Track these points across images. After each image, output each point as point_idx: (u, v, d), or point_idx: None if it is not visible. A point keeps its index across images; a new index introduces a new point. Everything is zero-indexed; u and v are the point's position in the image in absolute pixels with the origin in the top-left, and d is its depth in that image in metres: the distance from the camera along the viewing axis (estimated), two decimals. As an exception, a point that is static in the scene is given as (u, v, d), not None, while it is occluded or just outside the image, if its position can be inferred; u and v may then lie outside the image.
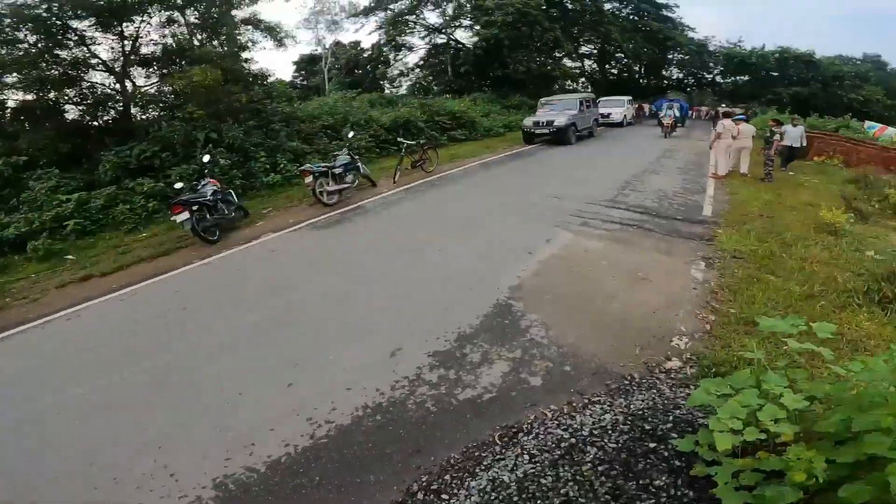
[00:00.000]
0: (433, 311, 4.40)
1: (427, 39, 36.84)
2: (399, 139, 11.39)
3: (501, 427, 2.88)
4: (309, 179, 8.10)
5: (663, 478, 2.40)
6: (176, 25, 11.70)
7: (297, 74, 45.93)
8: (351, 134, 10.26)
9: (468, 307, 4.39)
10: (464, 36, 35.96)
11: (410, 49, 37.78)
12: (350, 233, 7.02)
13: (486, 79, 35.00)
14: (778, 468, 1.90)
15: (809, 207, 7.36)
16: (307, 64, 44.39)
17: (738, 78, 40.73)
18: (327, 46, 41.02)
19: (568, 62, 38.28)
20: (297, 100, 17.89)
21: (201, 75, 9.70)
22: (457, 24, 34.90)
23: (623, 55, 38.72)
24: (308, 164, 8.88)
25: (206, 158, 8.09)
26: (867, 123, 19.96)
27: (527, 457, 2.65)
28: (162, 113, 11.52)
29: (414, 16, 34.33)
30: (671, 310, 4.23)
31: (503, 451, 2.71)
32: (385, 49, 36.48)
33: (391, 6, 34.41)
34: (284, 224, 7.63)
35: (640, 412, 2.99)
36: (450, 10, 34.29)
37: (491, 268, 5.27)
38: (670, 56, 41.20)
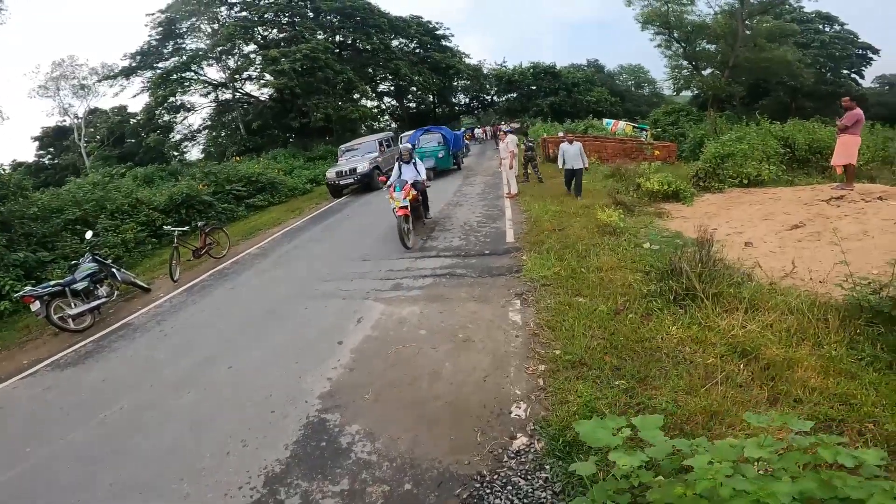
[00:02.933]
0: (228, 451, 3.33)
1: (211, 97, 33.60)
2: (166, 227, 9.31)
3: None
4: (36, 306, 5.92)
5: None
6: None
7: (42, 153, 37.12)
8: (89, 234, 7.91)
9: (272, 437, 3.40)
10: (253, 89, 33.83)
11: (190, 109, 33.84)
12: (108, 366, 5.16)
13: (286, 131, 33.41)
14: None
15: (587, 210, 8.17)
16: (54, 139, 36.06)
17: (509, 95, 47.75)
18: (79, 115, 33.98)
19: (368, 102, 39.51)
20: (37, 187, 13.75)
21: None
22: (243, 76, 32.68)
23: (416, 88, 41.81)
24: (28, 288, 6.45)
25: None
26: (605, 121, 24.97)
27: None
28: None
29: (191, 72, 30.91)
30: (501, 371, 3.80)
31: None
32: (157, 112, 31.73)
33: (159, 64, 30.40)
34: (14, 368, 5.56)
35: (504, 525, 2.44)
36: (232, 64, 31.89)
37: (295, 375, 4.20)
38: (455, 83, 46.03)
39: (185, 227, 9.20)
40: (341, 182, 14.20)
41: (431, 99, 45.97)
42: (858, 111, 7.28)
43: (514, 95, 46.98)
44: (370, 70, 37.27)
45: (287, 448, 3.25)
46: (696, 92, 39.94)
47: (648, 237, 6.37)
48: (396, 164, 8.28)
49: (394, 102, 45.33)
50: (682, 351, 3.67)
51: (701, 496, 1.62)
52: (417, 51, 41.03)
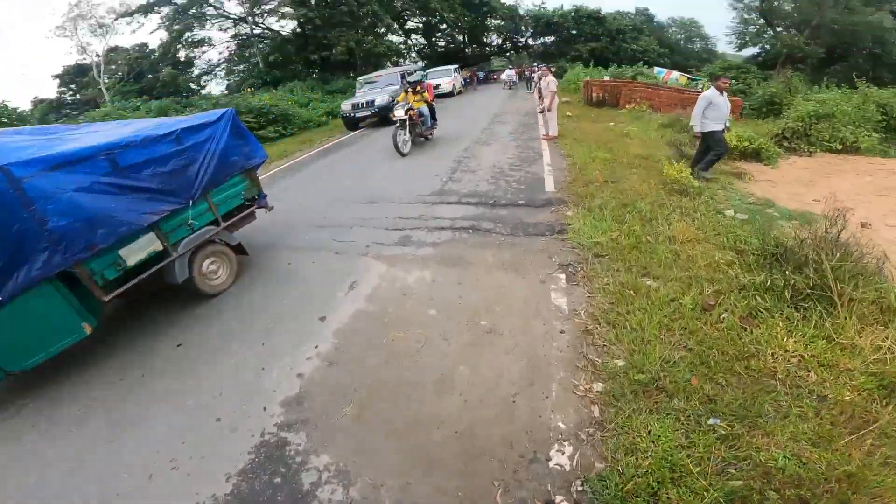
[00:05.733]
0: None
1: (232, 32, 32.15)
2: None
3: None
4: None
5: None
6: None
7: (63, 90, 37.70)
8: None
9: (212, 460, 2.43)
10: (273, 22, 32.21)
11: (208, 44, 32.49)
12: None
13: (307, 65, 31.63)
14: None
15: (645, 161, 6.68)
16: (74, 76, 36.13)
17: (545, 39, 44.05)
18: (99, 53, 33.46)
19: (394, 38, 36.99)
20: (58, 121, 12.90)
21: None
22: (262, 9, 30.87)
23: (446, 25, 38.69)
24: None
25: None
26: (656, 69, 22.31)
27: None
28: None
29: (211, 8, 29.63)
30: (538, 388, 2.66)
31: None
32: (174, 47, 30.79)
33: (175, 0, 28.92)
34: None
35: None
36: (251, -3, 30.08)
37: (257, 365, 3.13)
38: (488, 22, 42.47)
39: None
40: (357, 115, 12.77)
41: (462, 38, 42.69)
42: None
43: (552, 39, 43.26)
44: (398, 4, 34.48)
45: (228, 480, 2.29)
46: (759, 50, 36.03)
47: (730, 202, 4.96)
48: None
49: (422, 40, 42.41)
50: (804, 378, 2.50)
51: None
52: (450, -16, 37.62)
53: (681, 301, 3.13)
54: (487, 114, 13.85)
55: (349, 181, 7.26)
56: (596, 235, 4.09)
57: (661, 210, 4.59)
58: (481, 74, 34.76)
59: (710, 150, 5.72)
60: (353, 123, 13.10)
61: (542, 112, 8.84)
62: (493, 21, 42.63)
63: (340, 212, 5.83)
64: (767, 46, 34.77)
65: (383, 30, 33.46)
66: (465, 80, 27.33)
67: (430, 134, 9.51)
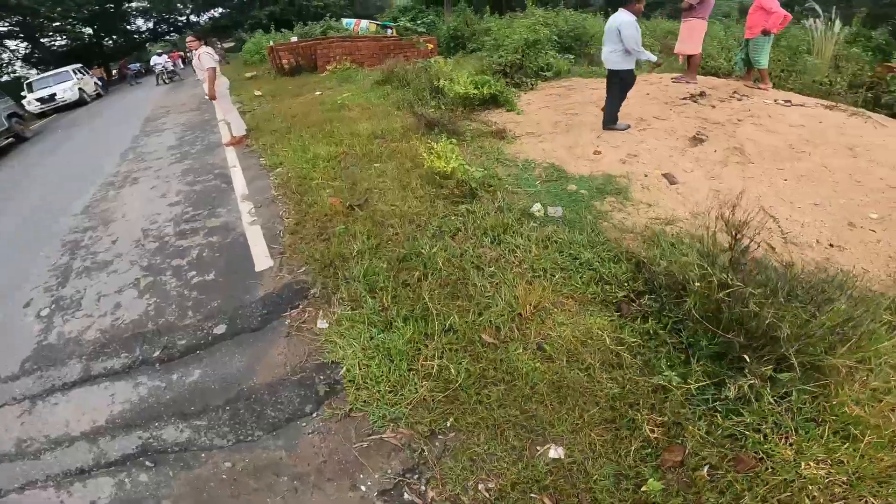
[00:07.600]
0: None
1: None
2: None
3: None
4: None
5: None
6: None
7: None
8: None
9: None
10: None
11: None
12: None
13: None
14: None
15: (385, 143, 4.67)
16: None
17: (213, 12, 37.17)
18: None
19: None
20: None
21: None
22: None
23: (56, 20, 27.83)
24: None
25: None
26: (344, 21, 20.59)
27: None
28: None
29: None
30: None
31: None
32: None
33: None
34: None
35: None
36: None
37: None
38: (128, 6, 32.71)
39: None
40: None
41: (91, 30, 31.71)
42: None
43: (222, 11, 36.69)
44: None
45: None
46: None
47: (525, 187, 3.44)
48: None
49: (26, 46, 29.63)
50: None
51: None
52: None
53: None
54: (135, 121, 9.17)
55: None
56: (402, 382, 1.85)
57: (463, 248, 2.65)
58: (135, 66, 26.57)
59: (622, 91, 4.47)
60: None
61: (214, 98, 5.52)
62: (133, 3, 32.94)
63: None
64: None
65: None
66: (100, 80, 20.06)
67: None
